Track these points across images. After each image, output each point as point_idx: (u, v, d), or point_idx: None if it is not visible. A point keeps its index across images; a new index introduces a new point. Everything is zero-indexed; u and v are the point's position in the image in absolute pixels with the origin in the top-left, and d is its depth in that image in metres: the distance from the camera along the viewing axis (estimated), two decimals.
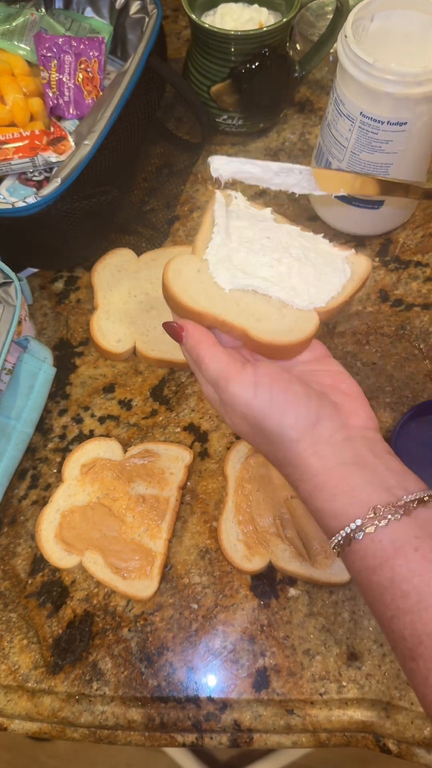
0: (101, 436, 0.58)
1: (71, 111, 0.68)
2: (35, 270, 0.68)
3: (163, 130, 0.72)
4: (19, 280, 0.56)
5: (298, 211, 0.69)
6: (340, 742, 0.47)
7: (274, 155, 0.74)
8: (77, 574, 0.52)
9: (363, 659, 0.48)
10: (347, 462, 0.36)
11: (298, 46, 0.78)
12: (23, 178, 0.65)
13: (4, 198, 0.63)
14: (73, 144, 0.64)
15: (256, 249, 0.42)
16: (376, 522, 0.34)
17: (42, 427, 0.59)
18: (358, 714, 0.46)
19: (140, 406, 0.60)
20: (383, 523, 0.34)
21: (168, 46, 0.73)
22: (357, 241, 0.67)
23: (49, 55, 0.67)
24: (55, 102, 0.68)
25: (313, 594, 0.50)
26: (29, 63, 0.69)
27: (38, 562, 0.53)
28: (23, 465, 0.57)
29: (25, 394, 0.55)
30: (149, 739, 0.48)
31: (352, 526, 0.34)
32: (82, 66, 0.68)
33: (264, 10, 0.70)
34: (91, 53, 0.68)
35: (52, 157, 0.63)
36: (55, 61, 0.67)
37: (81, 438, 0.58)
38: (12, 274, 0.55)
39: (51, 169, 0.64)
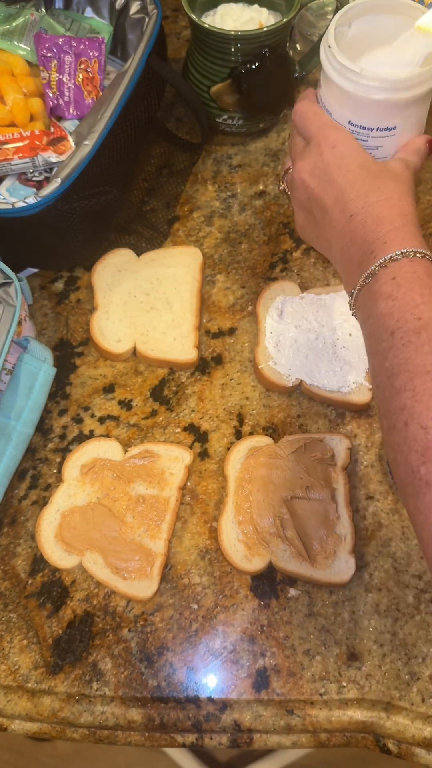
0: (101, 436, 0.58)
1: (71, 111, 0.68)
2: (35, 270, 0.68)
3: (163, 130, 0.72)
4: (19, 280, 0.56)
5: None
6: (340, 742, 0.47)
7: (274, 155, 0.74)
8: (77, 575, 0.52)
9: (363, 659, 0.48)
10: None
11: (298, 46, 0.78)
12: (23, 178, 0.65)
13: (4, 198, 0.63)
14: (73, 144, 0.64)
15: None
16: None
17: (42, 428, 0.59)
18: (358, 714, 0.46)
19: (140, 407, 0.60)
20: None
21: (168, 46, 0.73)
22: None
23: (49, 55, 0.67)
24: (55, 102, 0.68)
25: (313, 594, 0.50)
26: (29, 63, 0.69)
27: (38, 562, 0.53)
28: (23, 465, 0.57)
29: (25, 394, 0.55)
30: (149, 740, 0.48)
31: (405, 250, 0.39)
32: (82, 66, 0.68)
33: (264, 10, 0.70)
34: (91, 53, 0.68)
35: (52, 157, 0.63)
36: (55, 62, 0.67)
37: (81, 438, 0.58)
38: (12, 274, 0.55)
39: (51, 169, 0.64)
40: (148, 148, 0.72)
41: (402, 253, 0.38)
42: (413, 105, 0.51)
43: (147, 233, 0.67)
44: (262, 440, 0.56)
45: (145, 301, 0.63)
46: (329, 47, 0.52)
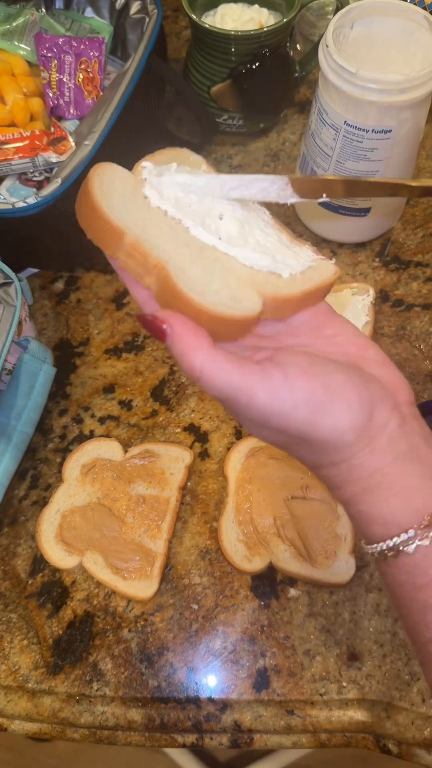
0: (101, 436, 0.58)
1: (71, 111, 0.68)
2: (35, 270, 0.68)
3: (163, 130, 0.72)
4: (20, 280, 0.56)
5: (285, 221, 0.69)
6: (340, 742, 0.47)
7: (274, 155, 0.74)
8: (77, 575, 0.52)
9: (363, 660, 0.48)
10: (403, 456, 0.30)
11: (298, 46, 0.78)
12: (23, 178, 0.65)
13: (4, 198, 0.63)
14: (73, 144, 0.64)
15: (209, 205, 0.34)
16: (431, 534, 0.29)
17: (42, 428, 0.59)
18: (358, 714, 0.46)
19: (140, 407, 0.60)
20: None
21: (168, 47, 0.73)
22: (352, 245, 0.67)
23: (49, 55, 0.67)
24: (56, 102, 0.68)
25: (313, 594, 0.50)
26: (29, 63, 0.69)
27: (38, 562, 0.53)
28: (23, 465, 0.57)
29: (26, 394, 0.55)
30: (149, 740, 0.48)
31: (403, 536, 0.29)
32: (83, 66, 0.68)
33: (264, 10, 0.70)
34: (91, 53, 0.68)
35: (53, 157, 0.63)
36: (56, 62, 0.67)
37: (81, 438, 0.58)
38: (12, 274, 0.55)
39: (51, 169, 0.64)
40: (148, 148, 0.72)
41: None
42: (410, 109, 0.51)
43: None
44: None
45: None
46: (327, 47, 0.52)
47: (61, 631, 0.50)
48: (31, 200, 0.55)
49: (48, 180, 0.64)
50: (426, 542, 0.29)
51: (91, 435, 0.58)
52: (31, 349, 0.56)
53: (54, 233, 0.59)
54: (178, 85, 0.67)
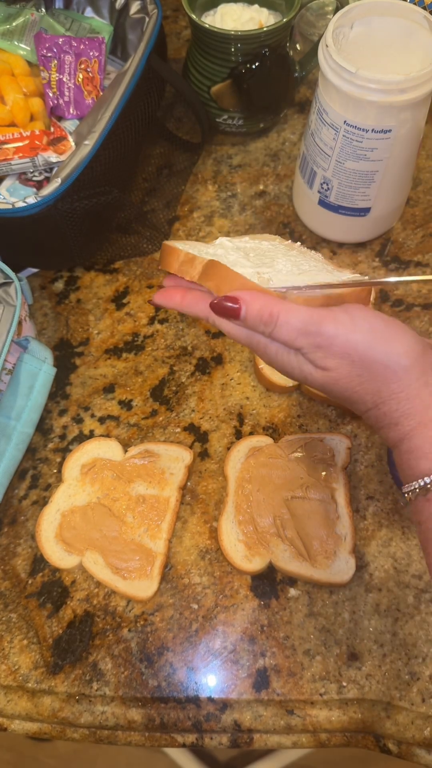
0: (101, 436, 0.58)
1: (71, 111, 0.68)
2: (35, 270, 0.68)
3: (163, 130, 0.72)
4: (20, 280, 0.56)
5: (285, 219, 0.69)
6: (340, 742, 0.47)
7: (274, 155, 0.74)
8: (77, 575, 0.52)
9: (363, 659, 0.48)
10: None
11: (298, 46, 0.78)
12: (23, 178, 0.65)
13: (4, 198, 0.63)
14: (73, 144, 0.64)
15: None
16: None
17: (42, 427, 0.59)
18: (358, 714, 0.46)
19: (140, 407, 0.60)
20: None
21: (168, 46, 0.73)
22: (352, 245, 0.67)
23: (49, 55, 0.67)
24: (56, 102, 0.68)
25: (313, 594, 0.50)
26: (29, 63, 0.69)
27: (38, 562, 0.53)
28: (23, 465, 0.57)
29: (25, 394, 0.55)
30: (149, 740, 0.48)
31: None
32: (83, 66, 0.68)
33: (264, 10, 0.70)
34: (91, 53, 0.68)
35: (53, 157, 0.63)
36: (56, 61, 0.67)
37: (81, 438, 0.58)
38: (12, 274, 0.55)
39: (51, 169, 0.64)
40: (148, 148, 0.72)
41: None
42: (409, 109, 0.51)
43: (147, 233, 0.67)
44: (263, 440, 0.56)
45: None
46: (326, 46, 0.52)
47: (61, 631, 0.50)
48: (31, 200, 0.55)
49: (48, 180, 0.64)
50: None
51: (91, 435, 0.58)
52: (31, 349, 0.56)
53: (54, 233, 0.59)
54: (178, 85, 0.67)
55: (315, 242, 0.68)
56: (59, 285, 0.67)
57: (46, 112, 0.68)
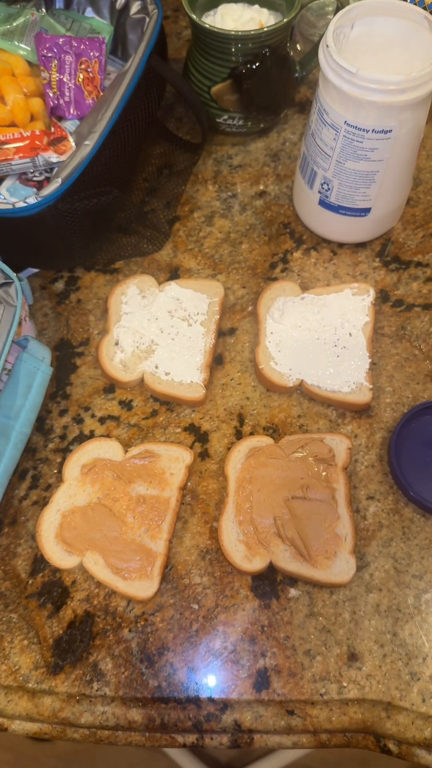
0: (102, 436, 0.58)
1: (72, 111, 0.68)
2: (36, 270, 0.68)
3: (163, 130, 0.72)
4: (20, 280, 0.56)
5: (285, 219, 0.69)
6: (340, 742, 0.47)
7: (274, 155, 0.74)
8: (78, 575, 0.52)
9: (363, 660, 0.48)
10: None
11: (298, 46, 0.78)
12: (24, 178, 0.65)
13: (4, 198, 0.63)
14: (73, 144, 0.64)
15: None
16: None
17: (42, 428, 0.59)
18: (358, 714, 0.46)
19: (140, 407, 0.60)
20: None
21: (168, 47, 0.73)
22: (352, 245, 0.67)
23: (49, 55, 0.67)
24: (56, 102, 0.68)
25: (313, 594, 0.50)
26: (30, 63, 0.69)
27: (39, 562, 0.53)
28: (24, 465, 0.57)
29: (23, 393, 0.55)
30: (150, 740, 0.48)
31: None
32: (83, 66, 0.68)
33: (264, 10, 0.70)
34: (91, 53, 0.68)
35: (53, 157, 0.63)
36: (56, 62, 0.67)
37: (81, 438, 0.58)
38: (12, 274, 0.55)
39: (51, 169, 0.64)
40: (148, 149, 0.72)
41: None
42: (410, 109, 0.51)
43: (148, 233, 0.67)
44: (263, 440, 0.56)
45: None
46: (327, 46, 0.52)
47: (61, 631, 0.50)
48: (31, 200, 0.55)
49: (48, 180, 0.64)
50: None
51: (92, 435, 0.58)
52: (30, 348, 0.56)
53: (54, 233, 0.59)
54: (178, 85, 0.67)
55: (315, 242, 0.68)
56: (59, 285, 0.67)
57: (47, 112, 0.68)
